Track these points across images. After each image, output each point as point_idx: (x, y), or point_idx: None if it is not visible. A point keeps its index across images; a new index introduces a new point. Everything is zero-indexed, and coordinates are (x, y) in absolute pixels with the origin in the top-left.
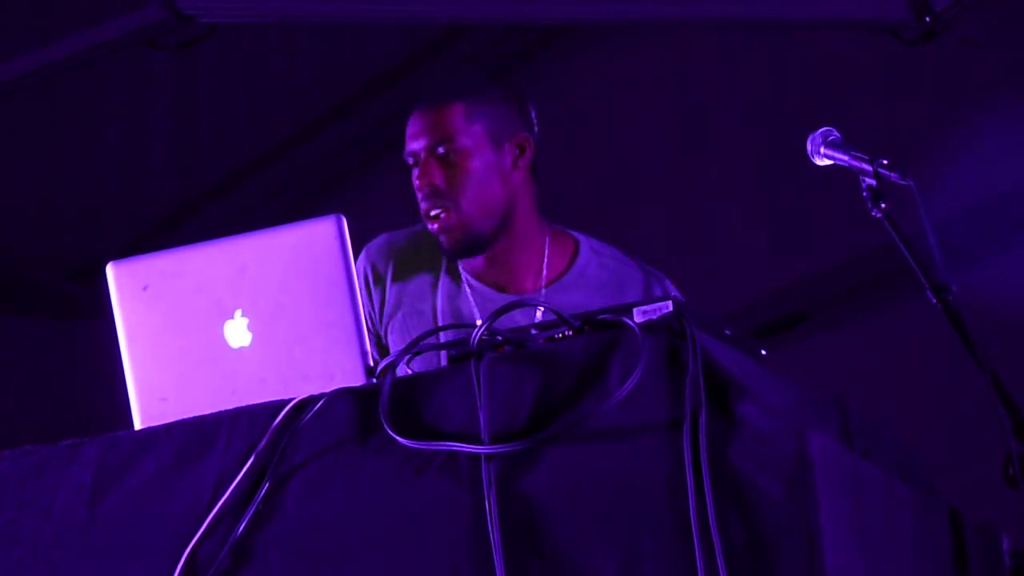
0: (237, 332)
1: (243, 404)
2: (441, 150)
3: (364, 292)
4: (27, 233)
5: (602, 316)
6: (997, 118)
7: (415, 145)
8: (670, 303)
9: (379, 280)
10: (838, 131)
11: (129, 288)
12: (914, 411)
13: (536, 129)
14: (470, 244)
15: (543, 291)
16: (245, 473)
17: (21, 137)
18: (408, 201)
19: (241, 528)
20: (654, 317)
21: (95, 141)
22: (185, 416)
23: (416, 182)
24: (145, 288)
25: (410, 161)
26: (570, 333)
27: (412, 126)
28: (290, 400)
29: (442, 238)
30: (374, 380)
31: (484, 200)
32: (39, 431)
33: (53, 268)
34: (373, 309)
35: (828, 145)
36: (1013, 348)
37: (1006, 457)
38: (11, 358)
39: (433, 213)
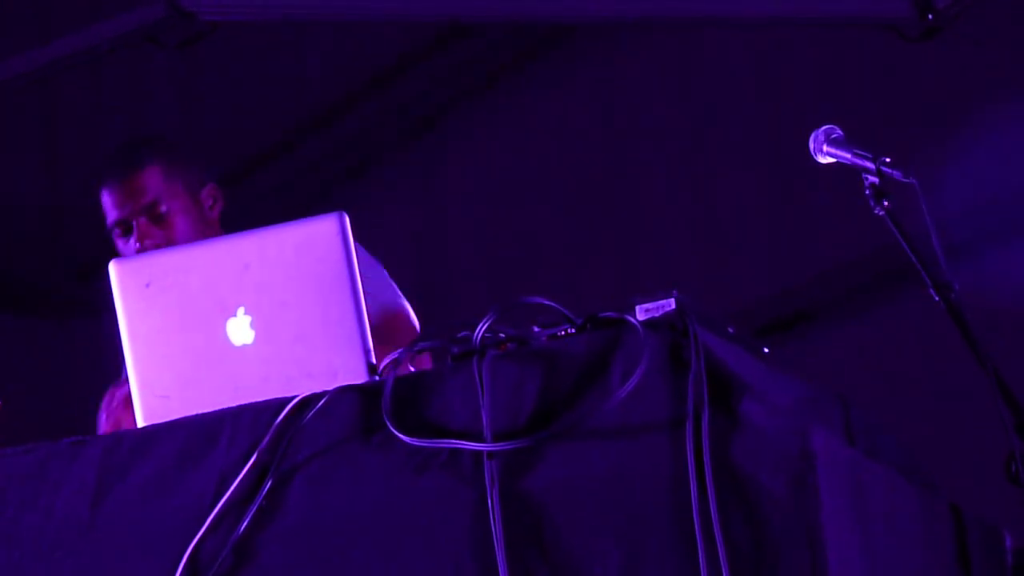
0: (240, 330)
1: (246, 402)
2: (152, 211)
3: None
4: (29, 231)
5: (605, 314)
6: (999, 116)
7: (120, 213)
8: (673, 301)
9: None
10: (841, 129)
11: (132, 286)
12: (916, 409)
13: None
14: None
15: None
16: (248, 471)
17: (23, 135)
18: (412, 198)
19: (244, 526)
20: (657, 315)
21: (97, 138)
22: (188, 414)
23: (132, 247)
24: (148, 286)
25: (118, 232)
26: (572, 331)
27: (112, 197)
28: (293, 398)
29: None
30: (377, 378)
31: None
32: (42, 429)
33: (55, 267)
34: None
35: (831, 143)
36: (1015, 346)
37: (1008, 455)
38: (13, 356)
39: None
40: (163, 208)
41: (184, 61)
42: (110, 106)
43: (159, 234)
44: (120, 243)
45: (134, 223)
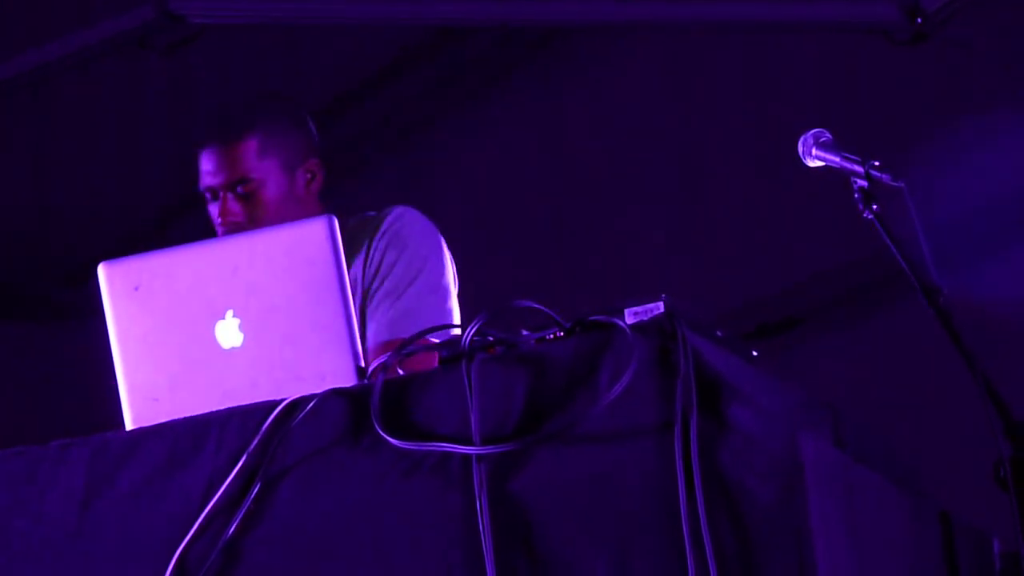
0: (228, 333)
1: (234, 405)
2: (240, 188)
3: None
4: (18, 234)
5: (593, 317)
6: (988, 119)
7: (212, 181)
8: (662, 304)
9: None
10: (830, 132)
11: (120, 289)
12: (906, 414)
13: (319, 144)
14: None
15: None
16: (236, 474)
17: (13, 138)
18: (403, 201)
19: (232, 529)
20: (645, 318)
21: (87, 142)
22: (176, 417)
23: (215, 216)
24: (136, 289)
25: (207, 196)
26: (561, 334)
27: (207, 162)
28: (281, 401)
29: None
30: (365, 381)
31: None
32: (30, 432)
33: (45, 270)
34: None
35: (820, 146)
36: (1004, 350)
37: (997, 459)
38: (2, 360)
39: None
40: (252, 185)
41: (174, 64)
42: (100, 109)
43: (242, 212)
44: (209, 207)
45: (221, 194)
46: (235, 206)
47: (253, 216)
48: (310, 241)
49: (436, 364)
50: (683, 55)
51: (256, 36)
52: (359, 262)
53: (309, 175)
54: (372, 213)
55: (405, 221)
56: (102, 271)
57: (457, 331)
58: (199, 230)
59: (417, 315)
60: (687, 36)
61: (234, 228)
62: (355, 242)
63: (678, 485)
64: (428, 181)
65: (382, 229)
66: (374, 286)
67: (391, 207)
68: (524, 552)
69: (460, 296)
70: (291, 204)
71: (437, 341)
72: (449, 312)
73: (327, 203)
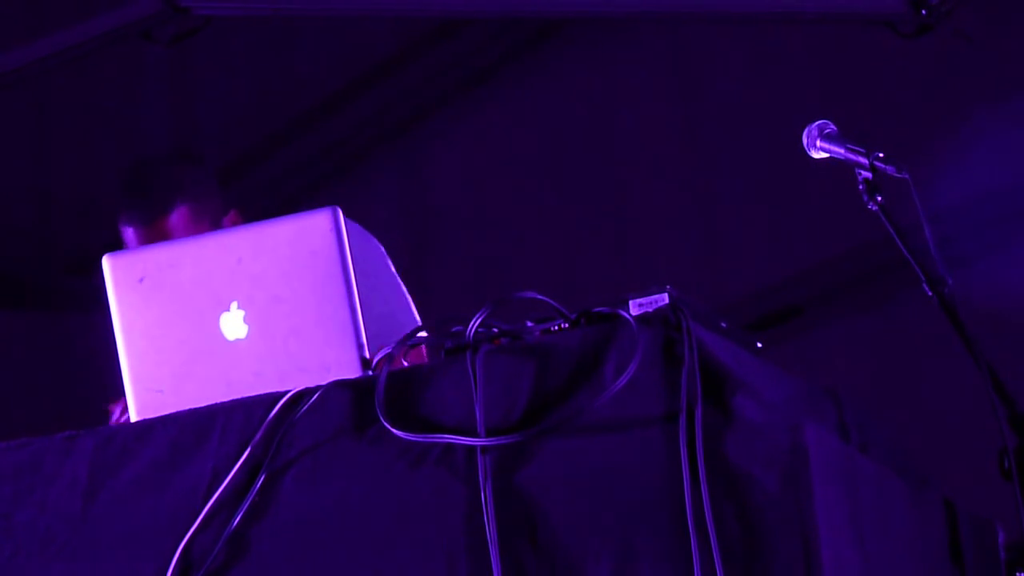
0: (233, 324)
1: (239, 396)
2: None
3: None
4: (22, 226)
5: (598, 309)
6: (992, 111)
7: None
8: (666, 295)
9: None
10: (834, 124)
11: (125, 280)
12: (910, 404)
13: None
14: None
15: None
16: (240, 466)
17: (16, 130)
18: (405, 193)
19: (236, 521)
20: (650, 310)
21: (90, 133)
22: (181, 408)
23: None
24: (141, 280)
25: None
26: (566, 326)
27: (138, 237)
28: (286, 392)
29: None
30: (370, 372)
31: None
32: (33, 424)
33: (48, 261)
34: None
35: (824, 138)
36: (1008, 340)
37: (1001, 449)
38: (7, 351)
39: None
40: None
41: (177, 56)
42: (103, 101)
43: None
44: None
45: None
46: None
47: None
48: (315, 232)
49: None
50: (687, 46)
51: (256, 28)
52: None
53: (232, 224)
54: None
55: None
56: (106, 263)
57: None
58: None
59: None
60: (690, 27)
61: None
62: None
63: (683, 475)
64: (428, 172)
65: None
66: None
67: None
68: (529, 543)
69: (463, 287)
70: None
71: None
72: (410, 307)
73: None
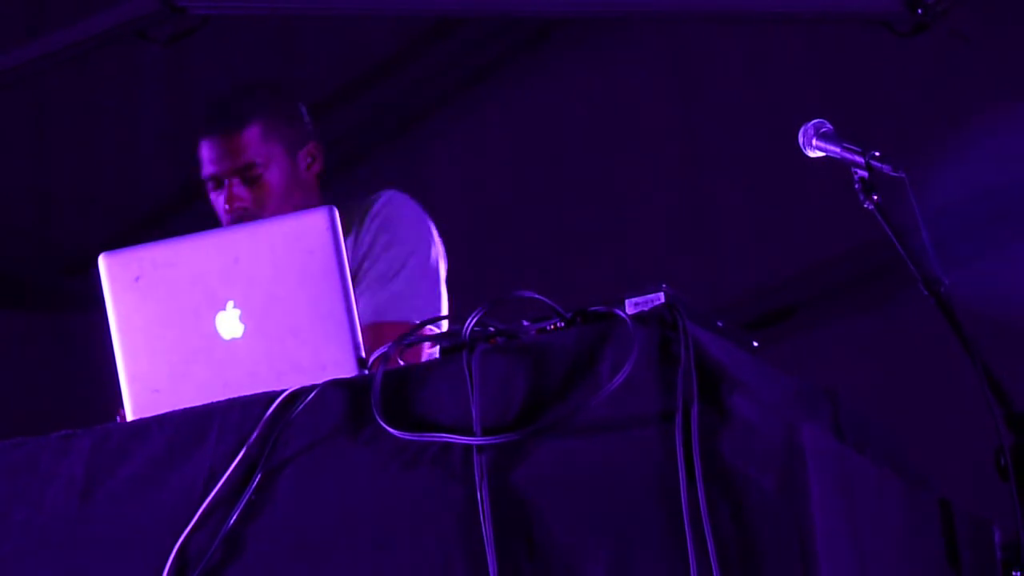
0: (229, 324)
1: (235, 395)
2: (247, 174)
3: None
4: (21, 226)
5: (594, 308)
6: (989, 110)
7: (217, 169)
8: (662, 295)
9: None
10: (830, 123)
11: (121, 279)
12: (906, 403)
13: (315, 130)
14: None
15: None
16: (237, 465)
17: (15, 129)
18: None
19: (233, 520)
20: (646, 309)
21: (87, 133)
22: (177, 408)
23: (220, 204)
24: (137, 279)
25: (210, 185)
26: (562, 325)
27: (211, 151)
28: (282, 392)
29: None
30: (366, 371)
31: (285, 210)
32: (30, 423)
33: (45, 261)
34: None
35: (820, 137)
36: (1004, 340)
37: (997, 449)
38: (6, 351)
39: None
40: (259, 170)
41: (174, 56)
42: (100, 101)
43: (249, 196)
44: (212, 195)
45: (226, 181)
46: (242, 191)
47: (260, 200)
48: (311, 232)
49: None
50: (684, 45)
51: (254, 27)
52: (348, 245)
53: (310, 158)
54: (362, 196)
55: (395, 205)
56: (103, 262)
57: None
58: (199, 221)
59: (406, 299)
60: (687, 27)
61: (242, 213)
62: (344, 225)
63: (679, 475)
64: (427, 172)
65: (372, 213)
66: (364, 268)
67: (380, 191)
68: (525, 542)
69: (461, 287)
70: (294, 188)
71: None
72: (438, 297)
73: (326, 188)
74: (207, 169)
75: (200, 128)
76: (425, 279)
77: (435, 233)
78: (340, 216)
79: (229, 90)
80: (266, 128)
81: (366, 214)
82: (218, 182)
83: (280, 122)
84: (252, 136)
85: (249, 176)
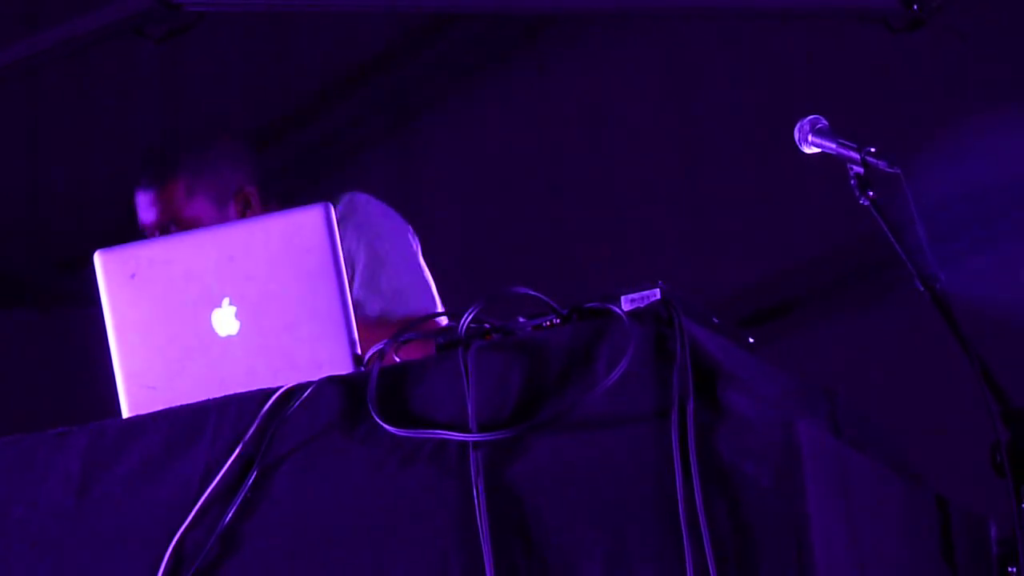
0: (225, 320)
1: (231, 392)
2: (172, 228)
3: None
4: (14, 222)
5: (590, 304)
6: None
7: (146, 219)
8: (658, 291)
9: None
10: (826, 119)
11: (117, 276)
12: (902, 399)
13: (254, 168)
14: None
15: None
16: (233, 461)
17: (9, 125)
18: (397, 188)
19: (229, 516)
20: (642, 305)
21: (84, 128)
22: (173, 404)
23: None
24: (133, 276)
25: (146, 233)
26: (558, 321)
27: (140, 202)
28: (278, 388)
29: None
30: (362, 368)
31: None
32: (27, 420)
33: (40, 258)
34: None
35: (816, 133)
36: (1000, 335)
37: (993, 444)
38: (2, 349)
39: None
40: (183, 225)
41: (169, 53)
42: (95, 98)
43: None
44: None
45: (156, 234)
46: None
47: None
48: (306, 228)
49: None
50: (679, 41)
51: (249, 23)
52: None
53: (242, 203)
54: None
55: (357, 207)
56: (98, 259)
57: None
58: None
59: (410, 292)
60: (683, 23)
61: None
62: None
63: (675, 471)
64: (422, 168)
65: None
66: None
67: (339, 195)
68: (521, 539)
69: (455, 283)
70: None
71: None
72: (425, 283)
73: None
74: (140, 218)
75: (135, 179)
76: (407, 267)
77: (402, 222)
78: None
79: (159, 143)
80: (189, 183)
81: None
82: (151, 230)
83: (206, 174)
84: (175, 192)
85: (176, 230)
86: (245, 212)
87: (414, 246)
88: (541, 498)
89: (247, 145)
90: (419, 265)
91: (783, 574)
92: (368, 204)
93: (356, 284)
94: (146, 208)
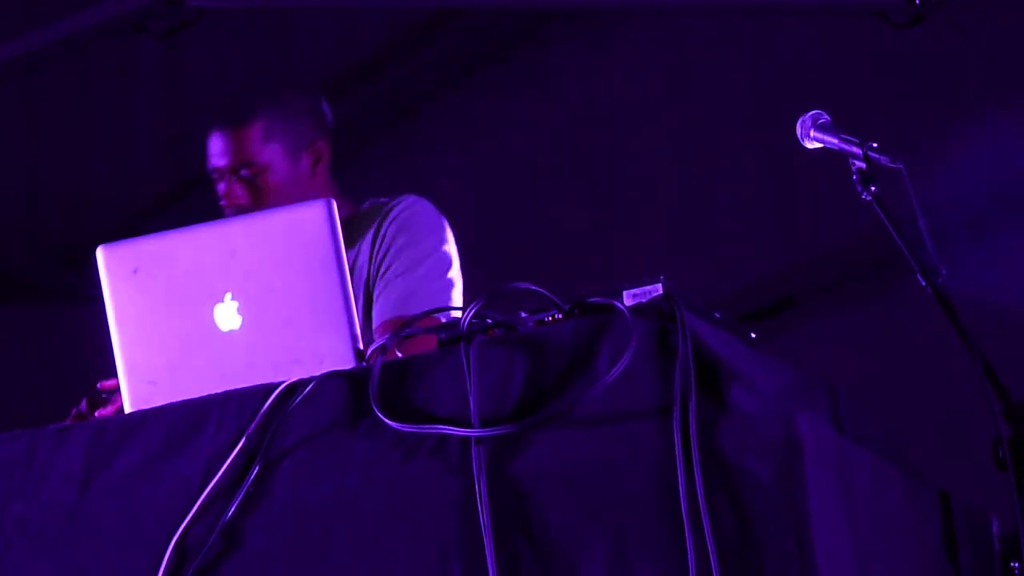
0: (227, 315)
1: (233, 387)
2: (243, 172)
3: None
4: (15, 219)
5: (592, 299)
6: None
7: (217, 163)
8: (660, 286)
9: None
10: (828, 114)
11: (119, 272)
12: (904, 395)
13: (331, 124)
14: None
15: None
16: (235, 457)
17: (8, 122)
18: (397, 185)
19: (231, 512)
20: (644, 300)
21: (83, 125)
22: (175, 400)
23: (221, 197)
24: (135, 272)
25: (214, 176)
26: (560, 316)
27: (213, 145)
28: (280, 383)
29: None
30: (364, 363)
31: None
32: (28, 416)
33: (42, 255)
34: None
35: (818, 128)
36: (1002, 331)
37: (995, 440)
38: (1, 344)
39: None
40: (255, 169)
41: (169, 49)
42: (95, 94)
43: (246, 195)
44: (217, 186)
45: (226, 176)
46: (239, 189)
47: (257, 199)
48: (309, 224)
49: (435, 345)
50: (681, 37)
51: (250, 20)
52: (367, 245)
53: (314, 157)
54: (384, 199)
55: (416, 210)
56: (101, 254)
57: (457, 313)
58: (197, 213)
59: (423, 296)
60: (684, 19)
61: (238, 210)
62: (365, 225)
63: (677, 466)
64: (423, 164)
65: (392, 215)
66: (381, 269)
67: (403, 195)
68: (523, 534)
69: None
70: (297, 187)
71: (441, 321)
72: (451, 300)
73: (340, 182)
74: (210, 162)
75: (208, 119)
76: (440, 280)
77: (452, 241)
78: (364, 217)
79: (240, 84)
80: (267, 127)
81: (386, 217)
82: (220, 175)
83: (282, 121)
84: (251, 135)
85: (247, 174)
86: (316, 167)
87: (452, 258)
88: (543, 493)
89: (326, 101)
90: (450, 278)
91: (785, 569)
92: (422, 209)
93: (388, 275)
94: (219, 152)
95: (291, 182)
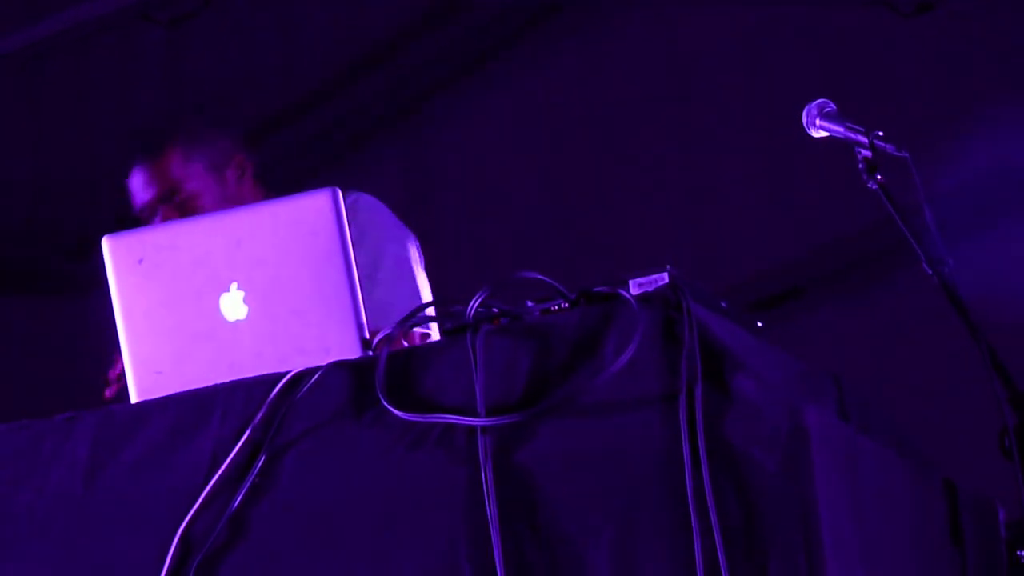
0: (233, 305)
1: (239, 377)
2: (174, 199)
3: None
4: (21, 209)
5: (598, 289)
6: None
7: (144, 197)
8: (666, 275)
9: None
10: (834, 103)
11: (125, 262)
12: (910, 384)
13: (243, 136)
14: None
15: None
16: (241, 446)
17: (14, 113)
18: (404, 175)
19: (237, 502)
20: (650, 289)
21: (88, 116)
22: (181, 390)
23: None
24: (141, 261)
25: (144, 215)
26: (566, 306)
27: (135, 183)
28: (286, 373)
29: None
30: (370, 353)
31: None
32: (35, 406)
33: (48, 244)
34: None
35: (824, 117)
36: (1008, 320)
37: (1001, 429)
38: (7, 334)
39: None
40: (184, 195)
41: (173, 40)
42: (100, 84)
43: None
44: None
45: (158, 211)
46: (173, 216)
47: None
48: (314, 213)
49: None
50: (686, 26)
51: (253, 11)
52: None
53: (239, 171)
54: None
55: (360, 209)
56: (106, 244)
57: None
58: None
59: (389, 306)
60: (687, 8)
61: None
62: None
63: (683, 456)
64: (428, 156)
65: None
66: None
67: (345, 193)
68: (529, 523)
69: (464, 268)
70: (227, 203)
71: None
72: (417, 294)
73: (266, 189)
74: (136, 200)
75: (123, 166)
76: (401, 280)
77: (401, 227)
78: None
79: (146, 126)
80: (186, 152)
81: None
82: (151, 210)
83: (198, 145)
84: (172, 161)
85: (176, 202)
86: (242, 181)
87: (413, 257)
88: (549, 482)
89: (234, 115)
90: (414, 280)
91: (791, 558)
92: (373, 209)
93: None
94: (143, 186)
95: (219, 200)
